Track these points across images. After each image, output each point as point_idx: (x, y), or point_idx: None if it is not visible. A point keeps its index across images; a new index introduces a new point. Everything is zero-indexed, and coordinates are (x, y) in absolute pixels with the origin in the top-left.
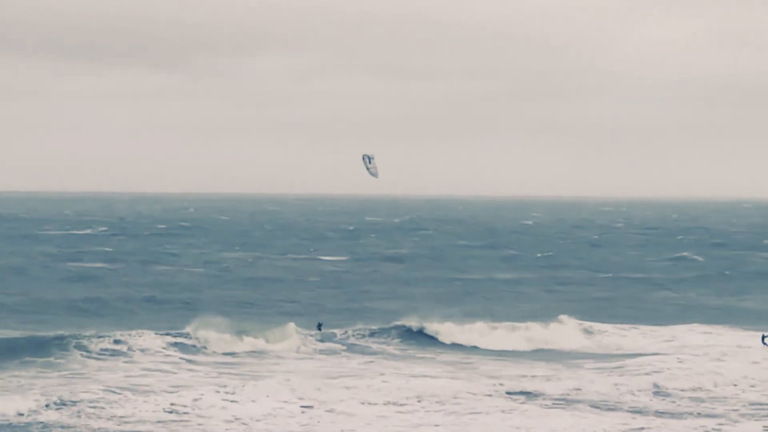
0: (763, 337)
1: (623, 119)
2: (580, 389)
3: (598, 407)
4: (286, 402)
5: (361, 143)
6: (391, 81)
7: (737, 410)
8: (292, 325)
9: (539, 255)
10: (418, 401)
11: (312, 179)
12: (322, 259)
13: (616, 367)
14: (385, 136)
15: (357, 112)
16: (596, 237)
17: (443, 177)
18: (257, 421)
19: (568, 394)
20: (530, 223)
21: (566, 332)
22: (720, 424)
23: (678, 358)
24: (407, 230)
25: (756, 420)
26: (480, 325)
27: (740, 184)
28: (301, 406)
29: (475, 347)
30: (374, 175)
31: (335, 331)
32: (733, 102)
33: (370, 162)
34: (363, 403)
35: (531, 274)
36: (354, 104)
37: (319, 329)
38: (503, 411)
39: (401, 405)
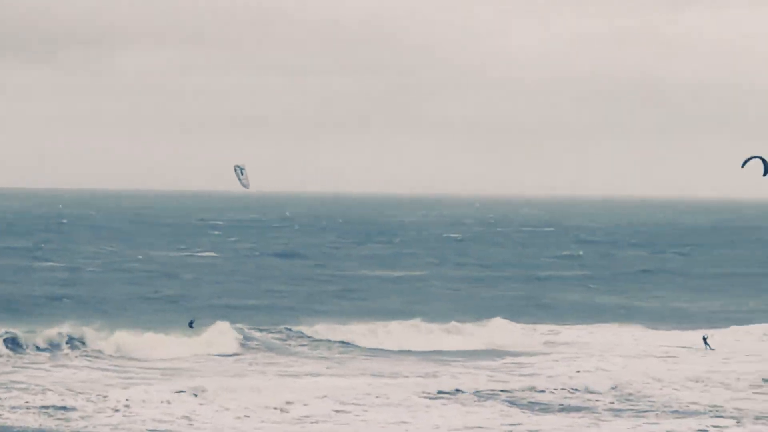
0: (705, 338)
1: (493, 117)
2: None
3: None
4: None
5: (234, 139)
6: (267, 77)
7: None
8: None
9: (424, 252)
10: (302, 403)
11: (183, 175)
12: (196, 255)
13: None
14: (259, 132)
15: (229, 108)
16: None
17: (317, 173)
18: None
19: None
20: (414, 220)
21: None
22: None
23: (568, 356)
24: (287, 228)
25: (623, 418)
26: (357, 326)
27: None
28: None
29: (353, 344)
30: (245, 186)
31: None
32: (602, 101)
33: (242, 173)
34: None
35: (423, 271)
36: (226, 100)
37: (191, 326)
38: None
39: (279, 409)
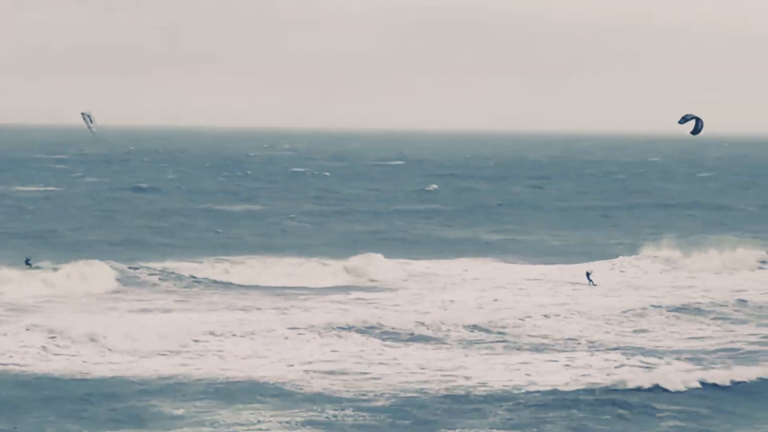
0: (588, 274)
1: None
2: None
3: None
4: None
5: (67, 73)
6: (112, 12)
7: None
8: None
9: (277, 186)
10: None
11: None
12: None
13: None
14: (98, 66)
15: (61, 42)
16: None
17: (153, 108)
18: None
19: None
20: (260, 154)
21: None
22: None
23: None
24: (135, 162)
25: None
26: (211, 260)
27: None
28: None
29: (207, 279)
30: (93, 131)
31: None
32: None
33: (91, 121)
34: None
35: (275, 204)
36: (58, 34)
37: (28, 264)
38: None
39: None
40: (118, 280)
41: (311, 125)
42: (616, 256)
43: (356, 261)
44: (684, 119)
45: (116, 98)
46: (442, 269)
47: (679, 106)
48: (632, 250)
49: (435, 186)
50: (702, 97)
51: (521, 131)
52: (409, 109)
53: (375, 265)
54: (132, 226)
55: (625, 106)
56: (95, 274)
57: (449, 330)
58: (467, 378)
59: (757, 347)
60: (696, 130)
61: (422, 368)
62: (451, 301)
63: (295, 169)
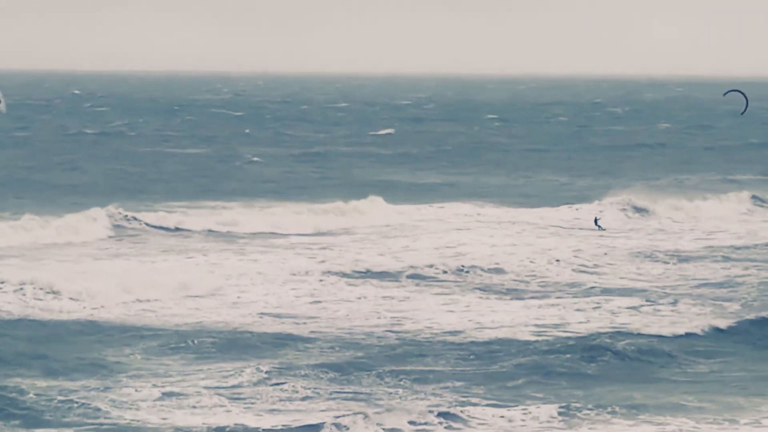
0: (596, 219)
1: None
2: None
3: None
4: None
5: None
6: None
7: None
8: None
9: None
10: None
11: None
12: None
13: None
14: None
15: None
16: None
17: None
18: None
19: None
20: (206, 98)
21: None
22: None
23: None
24: (85, 107)
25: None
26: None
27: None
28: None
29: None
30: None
31: None
32: None
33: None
34: None
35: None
36: None
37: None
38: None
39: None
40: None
41: (244, 68)
42: (595, 200)
43: (358, 204)
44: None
45: (45, 40)
46: (433, 213)
47: (610, 47)
48: (604, 193)
49: (391, 130)
50: (635, 38)
51: (457, 73)
52: (336, 51)
53: (377, 208)
54: (99, 172)
55: (555, 47)
56: (87, 224)
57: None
58: (418, 321)
59: None
60: (745, 108)
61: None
62: (448, 246)
63: (240, 114)
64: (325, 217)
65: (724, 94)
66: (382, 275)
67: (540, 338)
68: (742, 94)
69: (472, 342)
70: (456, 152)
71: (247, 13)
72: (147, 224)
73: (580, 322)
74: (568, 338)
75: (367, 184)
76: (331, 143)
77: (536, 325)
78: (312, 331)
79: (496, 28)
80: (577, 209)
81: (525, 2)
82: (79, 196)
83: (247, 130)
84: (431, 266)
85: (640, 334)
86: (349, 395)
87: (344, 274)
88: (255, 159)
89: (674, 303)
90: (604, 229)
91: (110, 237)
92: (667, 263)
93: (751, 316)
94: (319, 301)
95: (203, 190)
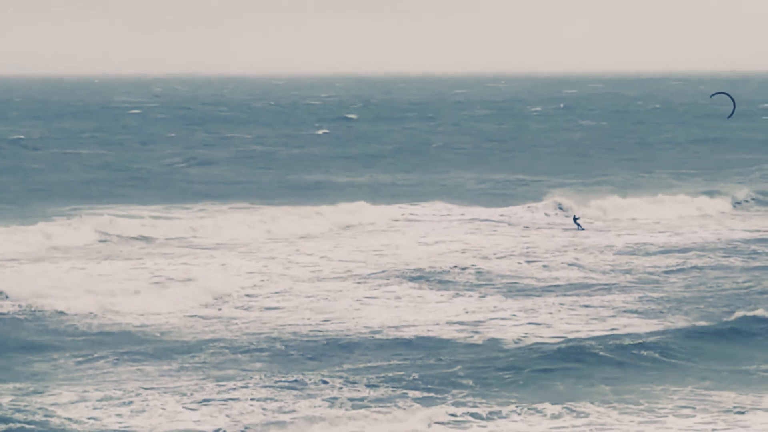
0: (575, 218)
1: None
2: None
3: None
4: None
5: None
6: None
7: None
8: None
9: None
10: None
11: None
12: None
13: None
14: None
15: None
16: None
17: None
18: None
19: None
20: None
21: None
22: None
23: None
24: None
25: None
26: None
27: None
28: None
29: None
30: None
31: None
32: None
33: None
34: None
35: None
36: None
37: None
38: None
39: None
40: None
41: (161, 70)
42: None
43: (347, 208)
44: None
45: None
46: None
47: (520, 46)
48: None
49: (325, 130)
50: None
51: (373, 73)
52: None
53: (365, 212)
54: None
55: (465, 45)
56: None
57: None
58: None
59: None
60: (732, 112)
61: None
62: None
63: (162, 116)
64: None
65: (711, 96)
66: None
67: (475, 338)
68: (729, 96)
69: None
70: (400, 151)
71: (164, 16)
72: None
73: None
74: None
75: (334, 187)
76: (270, 144)
77: (466, 323)
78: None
79: (405, 28)
80: (529, 207)
81: (435, 2)
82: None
83: (172, 134)
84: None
85: (567, 338)
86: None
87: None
88: (192, 162)
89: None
90: (584, 229)
91: (99, 242)
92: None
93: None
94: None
95: (156, 195)
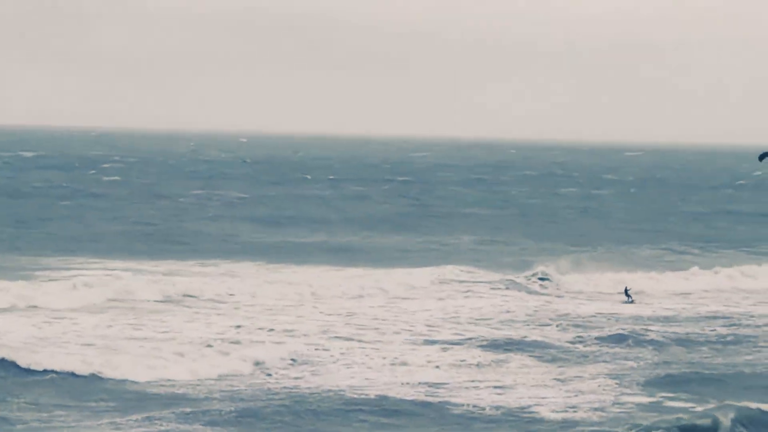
0: (626, 290)
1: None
2: None
3: None
4: None
5: None
6: None
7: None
8: None
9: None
10: None
11: None
12: None
13: None
14: None
15: None
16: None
17: None
18: None
19: None
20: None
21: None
22: None
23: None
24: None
25: None
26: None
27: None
28: None
29: None
30: None
31: None
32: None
33: None
34: None
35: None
36: None
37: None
38: None
39: None
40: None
41: (117, 124)
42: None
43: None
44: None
45: None
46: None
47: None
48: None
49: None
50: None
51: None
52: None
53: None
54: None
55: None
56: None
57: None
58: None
59: None
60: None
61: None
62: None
63: (127, 176)
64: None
65: (760, 159)
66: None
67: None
68: None
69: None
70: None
71: (117, 70)
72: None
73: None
74: None
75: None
76: (243, 205)
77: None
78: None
79: (337, 90)
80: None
81: (363, 63)
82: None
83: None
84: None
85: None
86: None
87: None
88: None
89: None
90: (633, 301)
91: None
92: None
93: None
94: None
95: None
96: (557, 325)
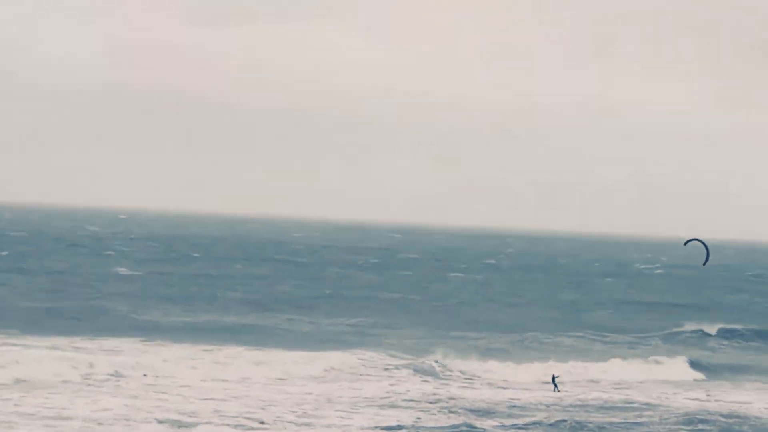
0: (553, 378)
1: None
2: None
3: None
4: None
5: None
6: None
7: None
8: None
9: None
10: None
11: None
12: None
13: None
14: None
15: None
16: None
17: None
18: None
19: None
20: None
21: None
22: None
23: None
24: None
25: None
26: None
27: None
28: None
29: None
30: None
31: None
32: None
33: None
34: None
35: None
36: None
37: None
38: None
39: None
40: None
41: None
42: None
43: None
44: (689, 242)
45: None
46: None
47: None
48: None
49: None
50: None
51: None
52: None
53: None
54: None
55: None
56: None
57: None
58: None
59: None
60: (706, 259)
61: None
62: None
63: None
64: None
65: (685, 244)
66: None
67: None
68: (703, 244)
69: None
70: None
71: None
72: None
73: None
74: None
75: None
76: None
77: None
78: None
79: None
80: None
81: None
82: None
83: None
84: None
85: None
86: None
87: None
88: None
89: None
90: (559, 391)
91: None
92: None
93: None
94: None
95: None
96: None
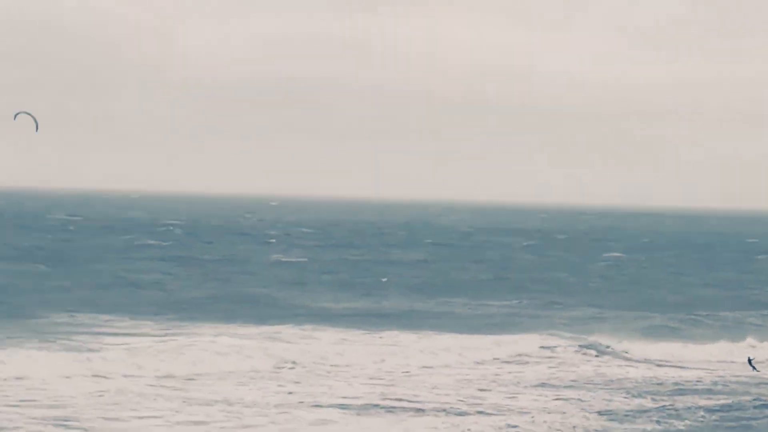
0: (750, 360)
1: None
2: None
3: None
4: None
5: None
6: None
7: None
8: None
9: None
10: None
11: None
12: None
13: None
14: None
15: None
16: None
17: None
18: None
19: None
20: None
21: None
22: None
23: None
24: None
25: None
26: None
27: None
28: None
29: None
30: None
31: None
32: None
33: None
34: None
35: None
36: None
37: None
38: None
39: None
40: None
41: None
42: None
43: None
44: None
45: None
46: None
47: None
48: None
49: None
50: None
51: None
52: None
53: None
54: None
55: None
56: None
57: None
58: None
59: None
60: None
61: None
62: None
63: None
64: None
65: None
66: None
67: None
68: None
69: None
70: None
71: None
72: None
73: None
74: None
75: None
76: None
77: None
78: None
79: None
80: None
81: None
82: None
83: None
84: None
85: None
86: None
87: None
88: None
89: None
90: (759, 371)
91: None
92: None
93: None
94: None
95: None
96: None
